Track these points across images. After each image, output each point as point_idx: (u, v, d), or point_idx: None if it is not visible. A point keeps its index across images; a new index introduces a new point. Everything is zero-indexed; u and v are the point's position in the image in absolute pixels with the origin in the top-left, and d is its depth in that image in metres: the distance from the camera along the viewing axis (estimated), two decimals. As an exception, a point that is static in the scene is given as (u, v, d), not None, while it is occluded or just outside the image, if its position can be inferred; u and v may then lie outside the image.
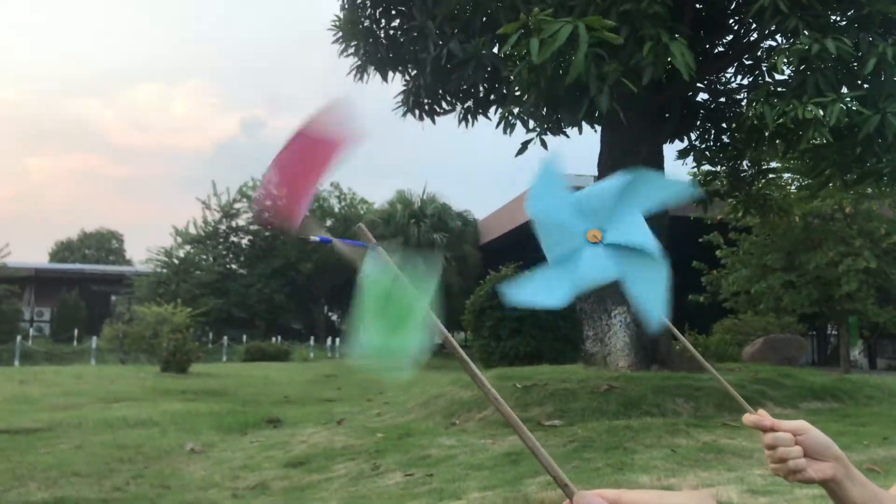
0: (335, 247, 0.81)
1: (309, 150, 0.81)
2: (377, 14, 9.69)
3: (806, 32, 6.73)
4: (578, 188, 1.13)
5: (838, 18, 7.56)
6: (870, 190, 13.53)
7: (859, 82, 7.31)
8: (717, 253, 17.91)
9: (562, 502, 0.82)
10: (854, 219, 15.84)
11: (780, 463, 0.98)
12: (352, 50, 9.78)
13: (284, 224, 0.81)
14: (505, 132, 7.99)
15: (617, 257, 1.04)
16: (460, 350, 0.71)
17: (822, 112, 6.62)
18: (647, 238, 1.05)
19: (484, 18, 8.73)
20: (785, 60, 7.00)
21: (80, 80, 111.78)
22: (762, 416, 1.01)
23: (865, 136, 6.83)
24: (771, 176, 11.54)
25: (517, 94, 7.82)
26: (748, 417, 1.02)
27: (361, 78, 10.01)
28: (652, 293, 1.04)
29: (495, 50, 8.67)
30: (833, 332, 22.85)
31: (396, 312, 0.72)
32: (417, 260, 0.73)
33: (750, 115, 7.45)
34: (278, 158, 0.81)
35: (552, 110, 8.07)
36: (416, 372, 0.70)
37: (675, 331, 1.17)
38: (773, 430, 0.99)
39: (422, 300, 0.71)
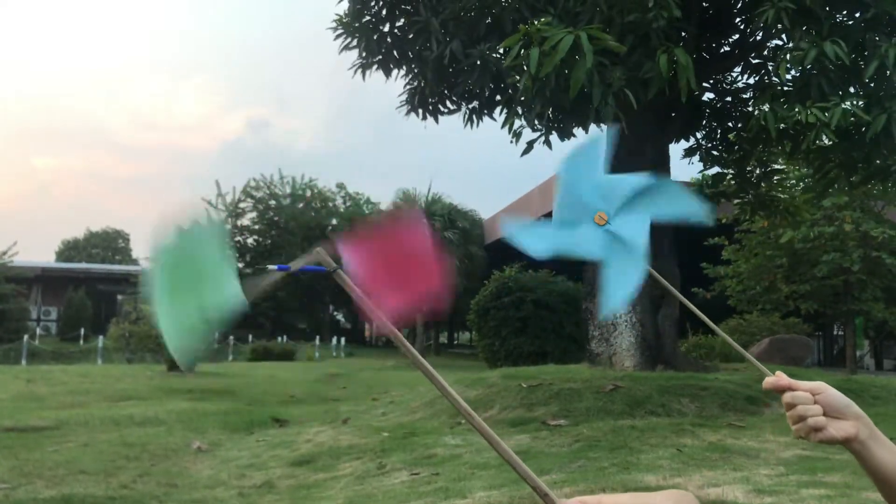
0: (293, 272, 0.79)
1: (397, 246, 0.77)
2: (382, 11, 9.68)
3: (805, 41, 6.72)
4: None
5: (845, 19, 7.54)
6: (876, 191, 13.51)
7: (865, 80, 7.29)
8: (724, 253, 17.96)
9: (570, 498, 0.83)
10: (857, 228, 15.81)
11: (800, 422, 0.98)
12: (353, 44, 9.75)
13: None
14: (512, 140, 8.03)
15: (608, 244, 1.11)
16: (423, 360, 0.71)
17: (825, 115, 6.63)
18: (641, 239, 1.11)
19: (489, 21, 8.72)
20: (788, 66, 7.00)
21: (87, 78, 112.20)
22: (779, 377, 1.02)
23: (873, 137, 6.83)
24: (777, 178, 11.51)
25: (522, 99, 7.83)
26: (767, 381, 1.03)
27: (363, 75, 10.01)
28: (622, 285, 1.10)
29: (500, 51, 8.67)
30: (839, 333, 22.80)
31: (191, 285, 0.72)
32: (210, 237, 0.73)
33: (755, 116, 7.43)
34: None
35: (558, 115, 8.09)
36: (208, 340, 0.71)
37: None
38: (790, 389, 1.00)
39: (217, 271, 0.72)
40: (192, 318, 0.72)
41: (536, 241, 1.11)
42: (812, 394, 0.99)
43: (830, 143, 7.14)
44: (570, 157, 1.16)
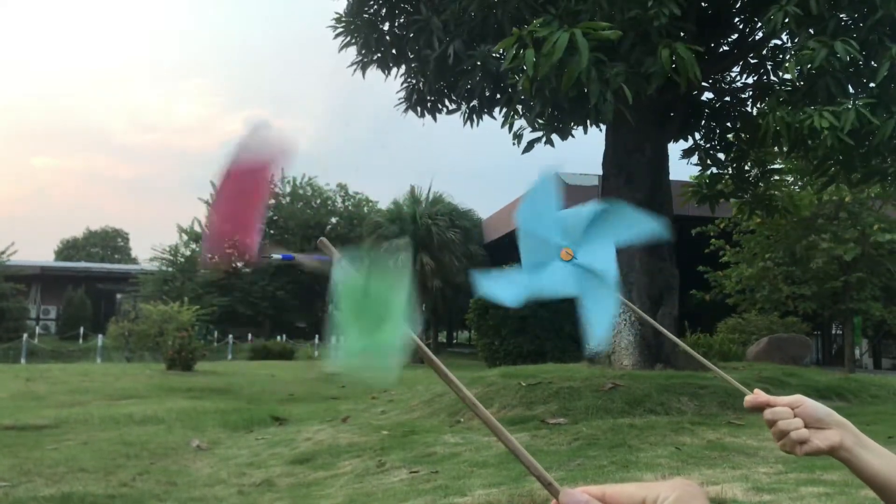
0: (299, 262, 0.81)
1: (242, 182, 0.80)
2: (381, 10, 9.68)
3: (813, 41, 6.71)
4: (567, 191, 1.19)
5: (848, 20, 7.53)
6: (876, 189, 13.53)
7: (865, 80, 7.29)
8: (722, 255, 18.00)
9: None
10: (857, 217, 15.82)
11: (783, 437, 0.99)
12: (352, 42, 9.74)
13: (240, 258, 0.80)
14: (514, 142, 8.05)
15: (579, 277, 1.12)
16: (433, 356, 0.71)
17: (836, 121, 6.60)
18: (610, 267, 1.13)
19: (490, 21, 8.72)
20: (796, 67, 6.98)
21: (86, 79, 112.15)
22: (757, 395, 1.03)
23: (880, 142, 6.82)
24: (776, 178, 11.52)
25: (522, 99, 7.84)
26: (746, 400, 1.04)
27: (363, 73, 10.02)
28: (600, 317, 1.12)
29: (499, 52, 8.68)
30: (838, 332, 22.82)
31: (374, 311, 0.73)
32: (385, 258, 0.74)
33: (763, 125, 7.38)
34: (216, 202, 0.80)
35: (556, 115, 8.10)
36: (400, 370, 0.72)
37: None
38: (769, 406, 1.01)
39: (398, 295, 0.72)
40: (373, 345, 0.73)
41: (509, 290, 1.12)
42: (791, 408, 0.99)
43: (839, 145, 7.10)
44: (525, 202, 1.16)
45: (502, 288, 1.13)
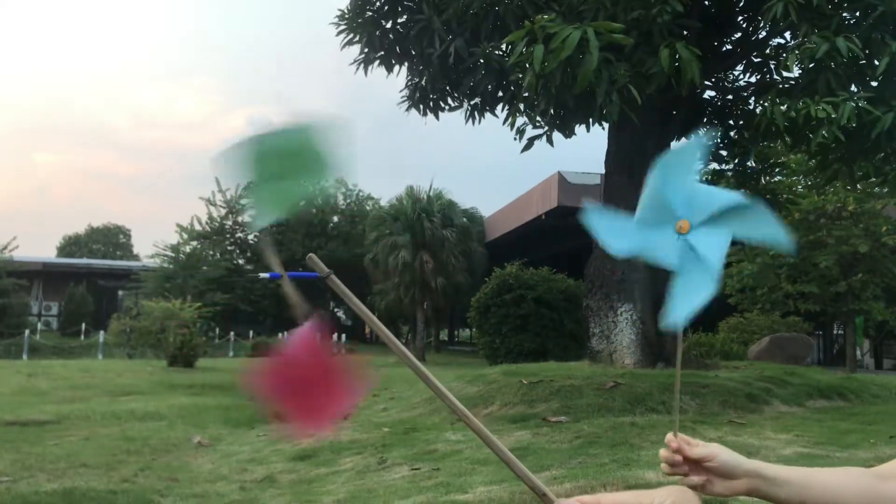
0: (284, 282, 0.83)
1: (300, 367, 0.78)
2: (384, 7, 9.67)
3: (816, 32, 6.70)
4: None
5: (849, 17, 7.53)
6: (877, 189, 13.54)
7: (867, 79, 7.28)
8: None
9: (568, 497, 0.84)
10: (859, 218, 15.83)
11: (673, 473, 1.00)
12: (356, 39, 9.73)
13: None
14: (515, 137, 8.04)
15: (684, 255, 1.08)
16: (425, 369, 0.72)
17: (833, 112, 6.59)
18: (717, 259, 1.07)
19: (493, 18, 8.71)
20: (797, 61, 6.98)
21: (88, 77, 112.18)
22: (669, 441, 1.01)
23: (878, 135, 6.81)
24: (777, 170, 11.50)
25: (525, 96, 7.84)
26: (666, 441, 1.02)
27: (365, 71, 10.01)
28: (688, 299, 1.07)
29: (503, 48, 8.67)
30: (839, 332, 22.80)
31: (289, 162, 0.74)
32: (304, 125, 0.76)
33: (760, 113, 7.39)
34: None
35: (561, 113, 8.09)
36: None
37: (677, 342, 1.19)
38: (680, 452, 0.99)
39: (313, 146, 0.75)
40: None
41: (617, 238, 1.09)
42: (703, 461, 0.98)
43: (835, 139, 7.08)
44: (665, 160, 1.12)
45: (611, 234, 1.09)
